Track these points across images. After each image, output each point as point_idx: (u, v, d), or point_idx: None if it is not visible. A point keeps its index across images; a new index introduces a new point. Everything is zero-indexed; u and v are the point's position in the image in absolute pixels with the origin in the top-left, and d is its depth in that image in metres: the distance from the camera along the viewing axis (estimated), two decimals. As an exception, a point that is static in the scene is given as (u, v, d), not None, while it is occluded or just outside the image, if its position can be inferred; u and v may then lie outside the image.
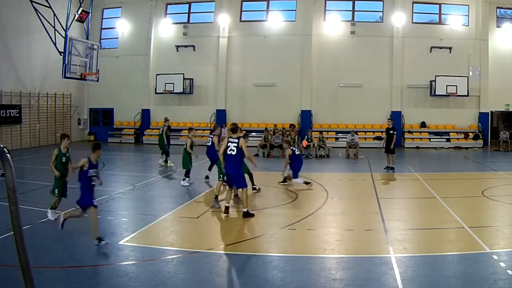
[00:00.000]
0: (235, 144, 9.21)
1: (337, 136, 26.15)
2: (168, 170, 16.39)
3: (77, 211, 8.15)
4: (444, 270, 6.42)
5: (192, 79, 28.23)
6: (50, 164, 9.10)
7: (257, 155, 21.76)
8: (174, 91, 27.78)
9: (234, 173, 9.36)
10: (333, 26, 27.18)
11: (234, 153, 9.21)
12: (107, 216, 9.80)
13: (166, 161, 17.26)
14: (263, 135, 23.03)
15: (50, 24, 21.07)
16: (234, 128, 9.56)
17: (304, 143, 21.61)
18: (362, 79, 26.96)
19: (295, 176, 13.05)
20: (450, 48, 26.36)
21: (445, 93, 25.65)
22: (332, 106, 27.18)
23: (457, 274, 6.26)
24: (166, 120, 18.71)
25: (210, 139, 13.48)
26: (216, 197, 10.50)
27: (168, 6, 29.20)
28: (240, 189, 9.40)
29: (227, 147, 9.32)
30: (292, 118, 26.71)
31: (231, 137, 9.39)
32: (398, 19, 26.42)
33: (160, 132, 18.06)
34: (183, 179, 13.50)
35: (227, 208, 9.52)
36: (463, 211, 10.14)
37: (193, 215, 10.03)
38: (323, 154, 21.86)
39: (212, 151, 12.93)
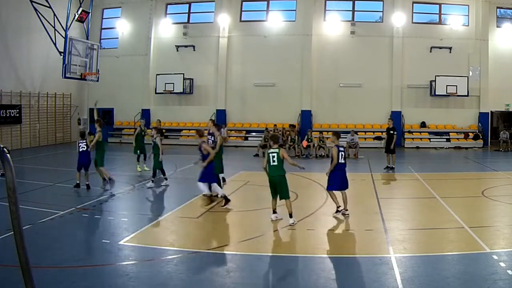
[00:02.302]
0: (85, 143, 12.58)
1: (337, 136, 26.10)
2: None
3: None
4: (444, 270, 6.41)
5: (192, 79, 28.23)
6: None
7: (257, 155, 21.77)
8: (174, 91, 27.78)
9: (88, 161, 12.71)
10: (333, 26, 27.18)
11: (84, 149, 12.56)
12: (107, 216, 9.82)
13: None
14: (263, 135, 23.02)
15: (50, 24, 21.07)
16: (83, 133, 13.12)
17: (304, 143, 21.62)
18: (362, 79, 26.96)
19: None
20: (450, 48, 26.36)
21: (445, 93, 25.64)
22: (332, 106, 27.17)
23: (457, 274, 6.26)
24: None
25: (83, 144, 12.68)
26: (104, 179, 12.67)
27: (168, 6, 29.20)
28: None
29: (79, 146, 12.59)
30: (292, 118, 26.71)
31: (82, 140, 12.67)
32: (398, 19, 26.42)
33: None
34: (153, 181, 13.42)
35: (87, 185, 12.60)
36: (463, 211, 10.14)
37: (193, 215, 10.04)
38: (323, 154, 21.86)
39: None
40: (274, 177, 9.03)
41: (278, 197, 9.12)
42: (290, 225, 8.79)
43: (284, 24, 27.71)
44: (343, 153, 9.82)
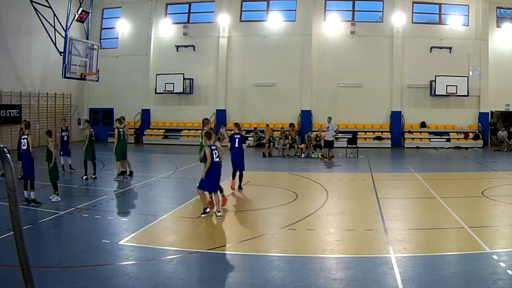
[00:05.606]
0: (26, 140, 10.90)
1: (337, 136, 26.10)
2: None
3: None
4: (444, 270, 6.41)
5: (192, 79, 28.24)
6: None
7: (264, 155, 21.90)
8: (174, 91, 27.78)
9: (27, 165, 10.79)
10: (333, 26, 27.18)
11: (25, 147, 10.85)
12: (107, 216, 9.82)
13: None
14: (260, 135, 23.06)
15: (50, 24, 21.06)
16: (27, 125, 11.58)
17: (303, 146, 21.85)
18: (362, 79, 26.96)
19: None
20: (450, 48, 26.36)
21: (445, 93, 25.65)
22: (332, 106, 27.09)
23: (457, 274, 6.26)
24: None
25: (25, 140, 10.91)
26: None
27: (168, 6, 29.21)
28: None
29: (20, 143, 11.05)
30: (292, 118, 26.69)
31: (24, 134, 11.10)
32: (398, 19, 26.42)
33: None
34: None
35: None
36: (463, 211, 10.14)
37: (193, 215, 10.03)
38: (312, 153, 21.82)
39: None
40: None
41: None
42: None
43: (284, 24, 27.71)
44: (216, 151, 9.81)
